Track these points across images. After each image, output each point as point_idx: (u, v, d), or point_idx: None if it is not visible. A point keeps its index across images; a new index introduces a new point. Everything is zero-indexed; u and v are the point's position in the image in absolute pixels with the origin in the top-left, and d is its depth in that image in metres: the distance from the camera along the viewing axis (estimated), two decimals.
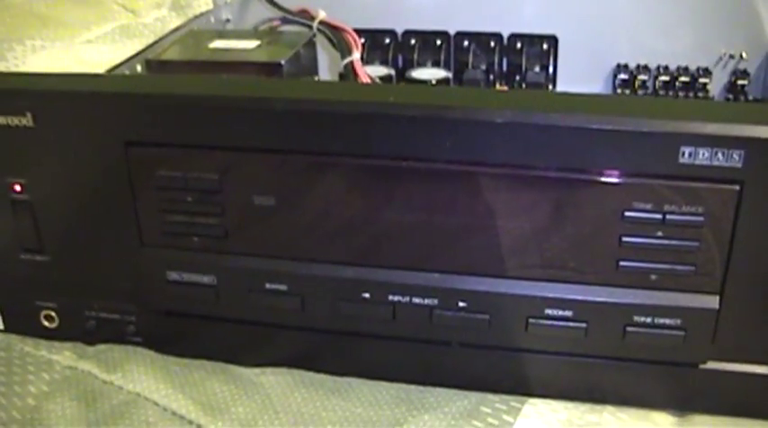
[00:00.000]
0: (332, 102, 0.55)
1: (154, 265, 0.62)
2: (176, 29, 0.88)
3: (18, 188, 0.63)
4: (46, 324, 0.68)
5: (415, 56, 0.96)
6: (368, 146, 0.54)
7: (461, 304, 0.57)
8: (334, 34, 0.86)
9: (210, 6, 1.04)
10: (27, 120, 0.59)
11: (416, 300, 0.57)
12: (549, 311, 0.56)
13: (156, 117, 0.58)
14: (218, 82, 0.63)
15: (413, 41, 0.96)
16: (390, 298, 0.58)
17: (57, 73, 0.64)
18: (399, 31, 0.96)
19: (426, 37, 0.97)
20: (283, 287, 0.60)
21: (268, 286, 0.60)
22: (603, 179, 0.52)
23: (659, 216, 0.52)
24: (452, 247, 0.56)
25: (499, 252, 0.55)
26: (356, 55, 0.83)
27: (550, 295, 0.56)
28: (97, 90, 0.60)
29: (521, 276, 0.56)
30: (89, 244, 0.64)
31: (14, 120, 0.60)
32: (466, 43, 0.95)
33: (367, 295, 0.58)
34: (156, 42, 0.84)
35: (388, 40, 0.97)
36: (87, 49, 1.13)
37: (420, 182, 0.54)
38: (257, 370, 0.63)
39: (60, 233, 0.64)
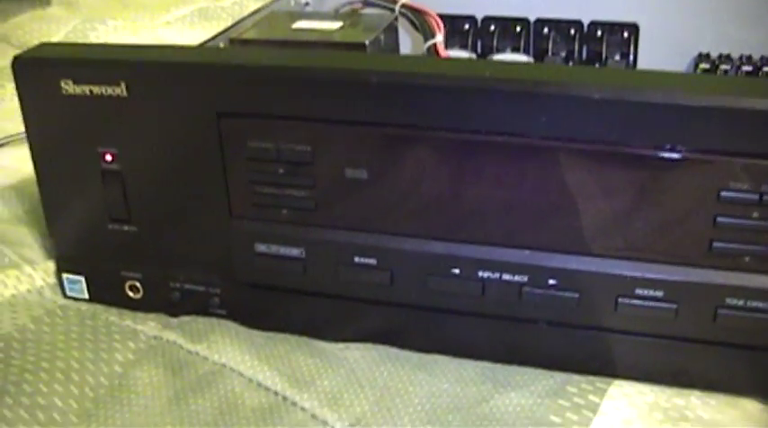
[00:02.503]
0: (428, 76, 0.55)
1: (242, 237, 0.62)
2: (256, 11, 0.88)
3: (109, 157, 0.63)
4: (131, 294, 0.69)
5: (495, 42, 0.96)
6: (462, 120, 0.54)
7: (551, 282, 0.57)
8: (417, 17, 0.87)
9: None
10: (121, 90, 0.60)
11: (506, 277, 0.57)
12: (639, 291, 0.56)
13: (248, 88, 0.59)
14: (310, 54, 0.64)
15: (492, 27, 0.96)
16: (480, 274, 0.58)
17: (150, 44, 0.64)
18: (479, 16, 0.96)
19: (506, 23, 0.97)
20: (372, 261, 0.60)
21: (357, 260, 0.60)
22: (700, 157, 0.52)
23: (756, 196, 0.52)
24: (543, 224, 0.56)
25: (590, 230, 0.55)
26: (439, 38, 0.83)
27: (641, 275, 0.56)
28: (190, 61, 0.61)
29: (611, 255, 0.56)
30: (177, 215, 0.65)
31: (108, 90, 0.61)
32: (546, 30, 0.95)
33: (456, 270, 0.58)
34: (236, 24, 0.85)
35: (467, 26, 0.97)
36: (167, 31, 1.15)
37: (514, 157, 0.55)
38: (341, 345, 0.64)
39: (149, 203, 0.65)
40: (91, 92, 0.61)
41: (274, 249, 0.61)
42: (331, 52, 0.72)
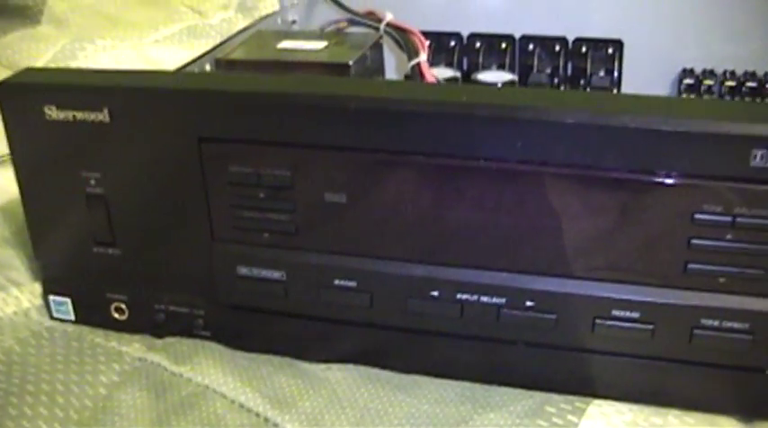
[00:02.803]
0: (405, 101, 0.56)
1: (224, 260, 0.63)
2: (243, 30, 0.90)
3: (93, 182, 0.64)
4: (116, 316, 0.69)
5: (481, 59, 0.97)
6: (439, 145, 0.55)
7: (529, 303, 0.58)
8: (401, 36, 0.88)
9: (277, 8, 1.06)
10: (103, 116, 0.61)
11: (484, 299, 0.58)
12: (616, 312, 0.57)
13: (229, 113, 0.60)
14: (290, 79, 0.65)
15: (478, 44, 0.97)
16: (458, 296, 0.59)
17: (132, 70, 0.65)
18: (465, 33, 0.97)
19: (491, 40, 0.98)
20: (353, 283, 0.60)
21: (337, 282, 0.61)
22: (673, 181, 0.53)
23: (729, 219, 0.53)
24: (521, 247, 0.57)
25: (567, 252, 0.56)
26: (423, 57, 0.84)
27: (618, 296, 0.57)
28: (172, 87, 0.62)
29: (588, 276, 0.57)
30: (160, 238, 0.65)
31: (91, 116, 0.61)
32: (531, 47, 0.96)
33: (435, 293, 0.59)
34: (223, 43, 0.86)
35: (453, 43, 0.99)
36: (155, 49, 1.15)
37: (490, 181, 0.55)
38: (323, 366, 0.64)
39: (132, 227, 0.66)
40: (74, 117, 0.62)
41: (256, 272, 0.62)
42: (311, 76, 0.73)
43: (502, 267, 0.58)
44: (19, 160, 0.66)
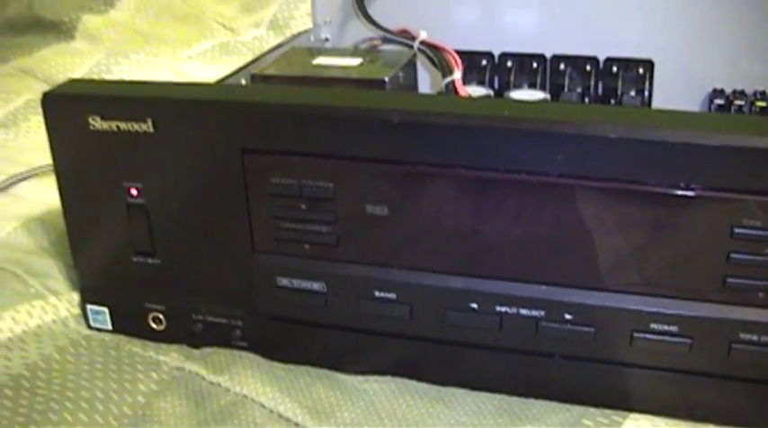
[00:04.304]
0: (447, 115, 0.56)
1: (264, 271, 0.63)
2: (276, 47, 0.90)
3: (134, 192, 0.65)
4: (153, 326, 0.70)
5: (512, 78, 0.97)
6: (481, 158, 0.56)
7: (567, 316, 0.58)
8: (435, 54, 0.88)
9: (309, 26, 1.06)
10: (147, 126, 0.62)
11: (523, 312, 0.58)
12: (654, 326, 0.57)
13: (272, 125, 0.60)
14: (334, 92, 0.65)
15: (509, 63, 0.98)
16: (497, 308, 0.59)
17: (175, 82, 0.66)
18: (496, 52, 0.98)
19: (523, 59, 0.98)
20: (392, 295, 0.61)
21: (377, 294, 0.61)
22: (714, 195, 0.53)
23: None
24: (560, 260, 0.57)
25: (606, 266, 0.56)
26: (457, 74, 0.84)
27: (656, 310, 0.57)
28: (216, 98, 0.62)
29: (627, 290, 0.57)
30: (200, 248, 0.66)
31: (135, 126, 0.62)
32: (562, 66, 0.96)
33: (475, 305, 0.59)
34: (257, 59, 0.86)
35: (484, 62, 0.99)
36: (189, 65, 1.16)
37: (531, 194, 0.56)
38: (361, 378, 0.65)
39: (173, 237, 0.66)
40: (118, 127, 0.63)
41: (296, 283, 0.63)
42: (353, 90, 0.73)
43: (541, 280, 0.58)
44: (61, 169, 0.67)
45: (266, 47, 1.20)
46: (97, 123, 0.63)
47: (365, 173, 0.59)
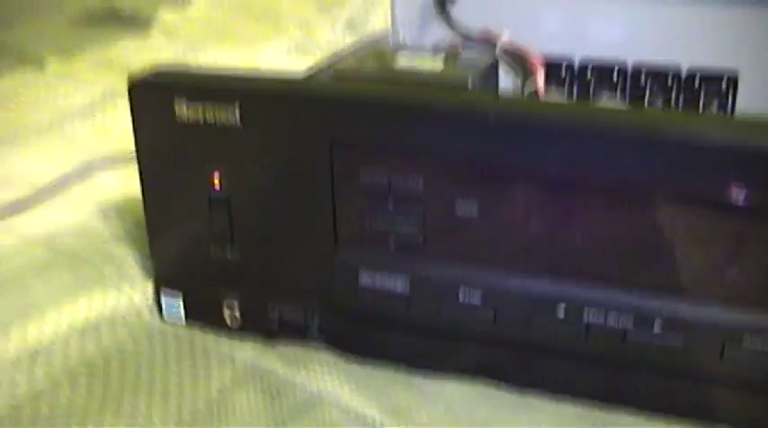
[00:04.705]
0: (546, 116, 0.55)
1: (346, 267, 0.62)
2: (353, 47, 0.89)
3: (217, 182, 0.64)
4: (228, 319, 0.69)
5: (591, 87, 0.95)
6: (576, 161, 0.54)
7: (656, 327, 0.56)
8: (517, 58, 0.87)
9: (387, 27, 1.05)
10: (234, 116, 0.61)
11: (611, 320, 0.57)
12: (747, 340, 0.55)
13: (363, 119, 0.59)
14: (426, 87, 0.64)
15: (589, 72, 0.96)
16: (585, 315, 0.57)
17: (264, 72, 0.65)
18: (577, 59, 0.96)
19: (603, 69, 0.96)
20: (477, 298, 0.59)
21: (462, 296, 0.60)
22: None
23: None
24: (652, 269, 0.56)
25: (700, 276, 0.55)
26: (540, 80, 0.83)
27: (749, 323, 0.55)
28: (306, 90, 0.61)
29: (720, 302, 0.56)
30: (281, 242, 0.65)
31: (221, 116, 0.61)
32: (643, 77, 0.94)
33: (561, 311, 0.58)
34: (334, 57, 0.85)
35: (564, 71, 0.97)
36: (264, 62, 1.16)
37: (626, 200, 0.54)
38: (439, 380, 0.63)
39: (253, 229, 0.65)
40: (204, 117, 0.61)
41: (378, 280, 0.61)
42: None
43: (631, 289, 0.57)
44: (144, 157, 0.66)
45: (342, 47, 1.19)
46: (182, 111, 0.62)
47: (457, 171, 0.57)
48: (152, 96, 0.64)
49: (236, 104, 0.61)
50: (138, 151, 0.66)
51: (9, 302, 0.70)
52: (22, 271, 0.74)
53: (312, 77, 0.74)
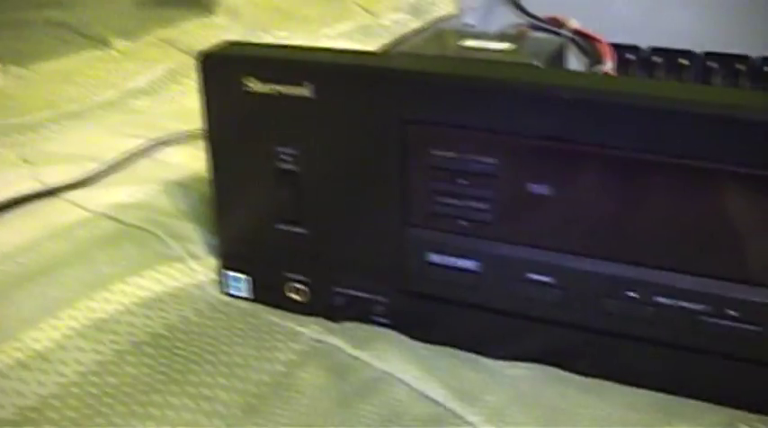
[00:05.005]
0: (622, 94, 0.54)
1: (416, 246, 0.62)
2: (419, 30, 0.88)
3: (287, 158, 0.63)
4: (293, 296, 0.69)
5: (661, 74, 0.94)
6: (652, 142, 0.53)
7: (731, 313, 0.55)
8: (586, 43, 0.86)
9: (452, 11, 1.05)
10: (306, 91, 0.60)
11: (683, 304, 0.56)
12: None
13: (437, 96, 0.58)
14: (499, 66, 0.63)
15: (658, 59, 0.95)
16: (656, 299, 0.56)
17: (335, 48, 0.64)
18: (644, 46, 0.95)
19: (671, 55, 0.95)
20: (547, 279, 0.59)
21: (532, 276, 0.59)
22: None
23: None
24: (728, 253, 0.54)
25: None
26: (609, 64, 0.82)
27: None
28: (379, 65, 0.60)
29: None
30: (349, 219, 0.64)
31: (293, 90, 0.61)
32: (712, 64, 0.93)
33: (633, 294, 0.57)
34: (401, 39, 0.84)
35: (632, 56, 0.96)
36: (329, 44, 1.15)
37: (703, 183, 0.53)
38: (506, 363, 0.62)
39: (321, 206, 0.65)
40: (275, 91, 0.62)
41: (448, 260, 0.61)
42: (521, 64, 0.71)
43: (705, 273, 0.56)
44: (214, 132, 0.66)
45: (405, 30, 1.19)
46: (254, 86, 0.62)
47: (530, 150, 0.56)
48: (223, 69, 0.64)
49: (310, 78, 0.61)
50: (206, 125, 0.66)
51: (76, 274, 0.70)
52: (88, 245, 0.74)
53: (390, 53, 0.73)
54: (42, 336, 0.64)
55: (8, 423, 0.57)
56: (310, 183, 0.64)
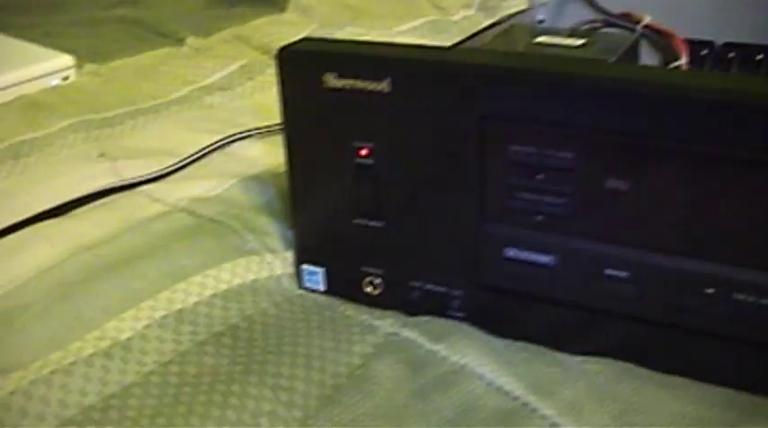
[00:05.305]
0: (704, 89, 0.53)
1: (492, 240, 0.62)
2: (490, 26, 0.88)
3: (364, 152, 0.64)
4: (369, 290, 0.69)
5: (735, 69, 0.93)
6: (738, 138, 0.53)
7: None
8: (660, 39, 0.85)
9: (522, 7, 1.04)
10: (384, 86, 0.61)
11: (763, 301, 0.55)
12: None
13: (515, 92, 0.58)
14: (576, 62, 0.63)
15: (731, 54, 0.94)
16: (735, 296, 0.55)
17: (411, 44, 0.64)
18: (719, 42, 0.94)
19: (745, 50, 0.94)
20: (624, 274, 0.58)
21: (609, 272, 0.59)
22: None
23: None
24: None
25: None
26: (684, 60, 0.81)
27: None
28: (458, 61, 0.60)
29: None
30: (426, 213, 0.64)
31: (372, 85, 0.61)
32: None
33: (711, 290, 0.56)
34: (473, 35, 0.84)
35: (705, 51, 0.95)
36: (401, 40, 1.16)
37: None
38: (580, 358, 0.63)
39: (398, 200, 0.65)
40: (354, 86, 0.62)
41: (524, 255, 0.61)
42: (601, 60, 0.70)
43: None
44: (290, 126, 0.67)
45: (475, 26, 1.19)
46: (332, 81, 0.62)
47: (609, 145, 0.56)
48: (302, 65, 0.65)
49: (389, 74, 0.61)
50: (284, 120, 0.67)
51: (156, 266, 0.72)
52: (167, 238, 0.76)
53: (467, 49, 0.73)
54: (124, 326, 0.65)
55: (92, 409, 0.58)
56: (387, 178, 0.64)
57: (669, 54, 0.83)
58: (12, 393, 0.59)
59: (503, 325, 0.66)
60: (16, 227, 0.79)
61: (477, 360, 0.62)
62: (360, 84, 0.62)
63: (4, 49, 1.22)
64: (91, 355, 0.63)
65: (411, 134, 0.62)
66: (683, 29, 0.86)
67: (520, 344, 0.65)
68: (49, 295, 0.70)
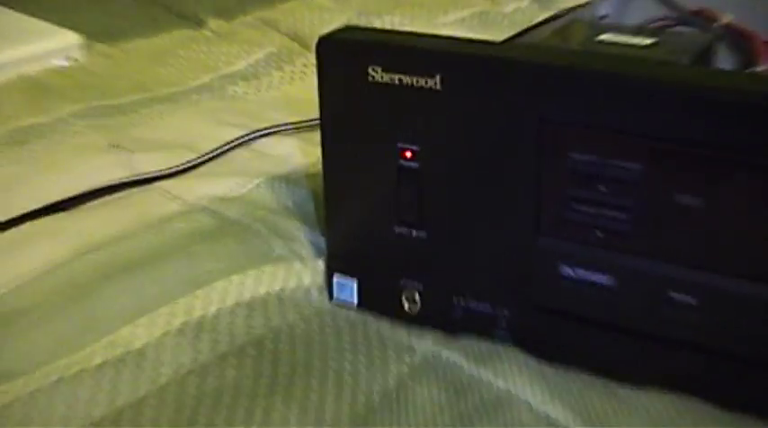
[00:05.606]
0: None
1: (547, 257, 0.63)
2: (547, 19, 0.90)
3: (408, 154, 0.65)
4: (407, 305, 0.70)
5: None
6: None
7: None
8: (740, 40, 0.86)
9: (583, 1, 1.05)
10: (434, 83, 0.62)
11: None
12: None
13: (579, 94, 0.59)
14: (646, 64, 0.64)
15: None
16: None
17: (463, 38, 0.66)
18: None
19: None
20: (691, 299, 0.59)
21: (673, 295, 0.60)
22: None
23: None
24: None
25: None
26: (765, 65, 0.82)
27: None
28: (517, 58, 0.62)
29: None
30: (474, 224, 0.66)
31: (420, 81, 0.62)
32: None
33: None
34: (528, 30, 0.86)
35: None
36: (446, 32, 1.16)
37: None
38: (638, 389, 0.63)
39: (445, 209, 0.66)
40: (400, 81, 0.63)
41: (581, 273, 0.62)
42: (675, 63, 0.71)
43: None
44: (329, 122, 0.68)
45: (528, 20, 1.20)
46: (377, 75, 0.64)
47: (680, 157, 0.57)
48: (344, 56, 0.66)
49: (440, 69, 0.62)
50: (322, 115, 0.68)
51: (175, 269, 0.73)
52: (186, 239, 0.77)
53: (528, 45, 0.74)
54: (140, 332, 0.67)
55: (104, 420, 0.59)
56: (433, 183, 0.66)
57: (749, 58, 0.84)
58: (10, 403, 0.60)
59: (553, 349, 0.67)
60: (16, 221, 0.81)
61: (525, 386, 0.64)
62: (407, 79, 0.63)
63: (1, 22, 1.22)
64: (100, 364, 0.64)
65: (461, 136, 0.63)
66: (765, 30, 0.87)
67: (571, 372, 0.66)
68: (54, 297, 0.71)
